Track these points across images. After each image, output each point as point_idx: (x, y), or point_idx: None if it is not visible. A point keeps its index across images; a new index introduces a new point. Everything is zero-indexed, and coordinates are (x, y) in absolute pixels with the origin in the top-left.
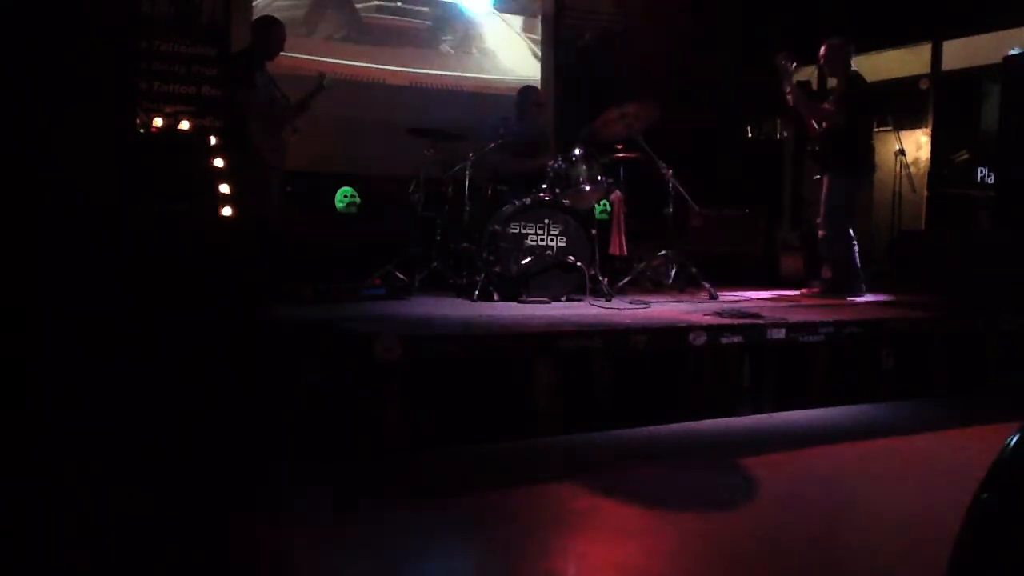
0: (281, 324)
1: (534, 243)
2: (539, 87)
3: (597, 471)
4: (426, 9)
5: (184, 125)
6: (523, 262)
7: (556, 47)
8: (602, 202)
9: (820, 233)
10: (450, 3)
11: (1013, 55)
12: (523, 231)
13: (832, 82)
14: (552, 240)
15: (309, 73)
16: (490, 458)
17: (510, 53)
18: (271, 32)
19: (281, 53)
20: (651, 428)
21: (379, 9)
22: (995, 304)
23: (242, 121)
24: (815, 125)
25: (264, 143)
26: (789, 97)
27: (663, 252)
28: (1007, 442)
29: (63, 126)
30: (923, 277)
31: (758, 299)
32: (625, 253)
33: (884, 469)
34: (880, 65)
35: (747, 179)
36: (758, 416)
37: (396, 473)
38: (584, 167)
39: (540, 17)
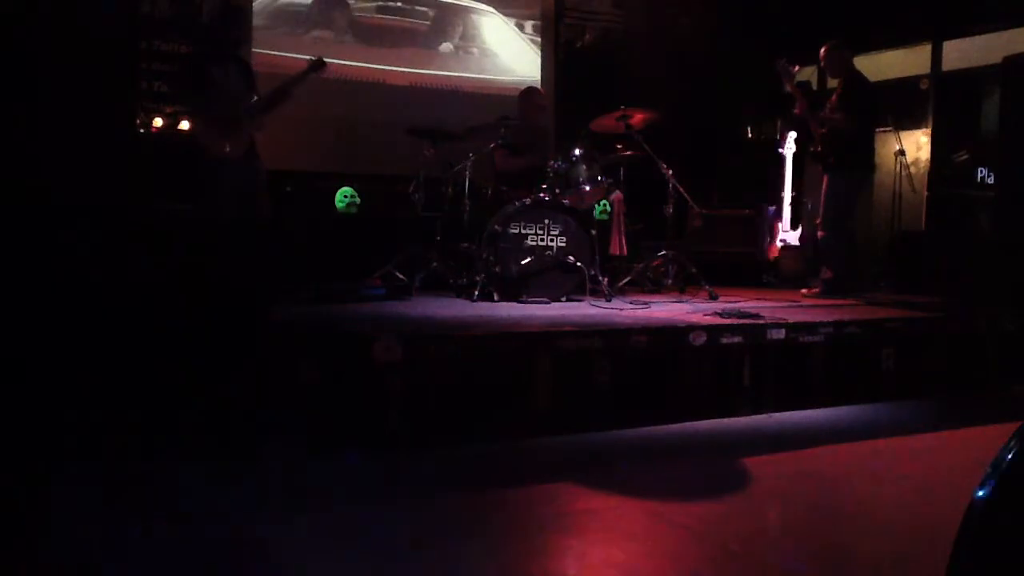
0: (281, 324)
1: (534, 243)
2: (539, 87)
3: (597, 471)
4: (426, 9)
5: (184, 125)
6: (523, 262)
7: (556, 47)
8: (602, 202)
9: (820, 233)
10: (450, 3)
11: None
12: (523, 231)
13: (834, 82)
14: (552, 240)
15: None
16: (490, 458)
17: (510, 53)
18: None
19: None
20: (651, 428)
21: (379, 9)
22: (995, 304)
23: (189, 120)
24: (816, 126)
25: (214, 142)
26: (796, 111)
27: (663, 252)
28: (1007, 442)
29: (63, 126)
30: (923, 277)
31: (758, 299)
32: (625, 253)
33: (884, 469)
34: (880, 65)
35: (747, 179)
36: (758, 416)
37: (396, 473)
38: (584, 167)
39: (540, 17)
